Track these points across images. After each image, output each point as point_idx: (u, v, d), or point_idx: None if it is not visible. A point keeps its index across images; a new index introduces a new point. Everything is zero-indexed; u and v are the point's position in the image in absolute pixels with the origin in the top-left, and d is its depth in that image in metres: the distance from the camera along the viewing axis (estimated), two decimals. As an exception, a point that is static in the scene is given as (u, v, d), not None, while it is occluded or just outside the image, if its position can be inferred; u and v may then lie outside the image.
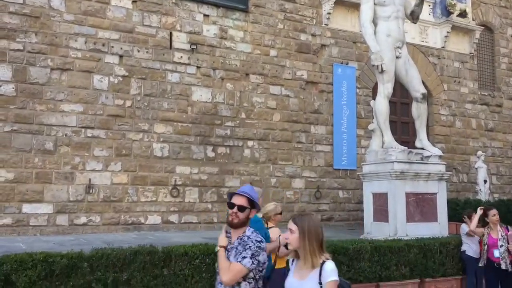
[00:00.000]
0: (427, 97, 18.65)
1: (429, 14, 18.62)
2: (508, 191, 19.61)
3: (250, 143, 14.96)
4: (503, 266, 6.28)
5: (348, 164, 16.54)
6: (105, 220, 12.57)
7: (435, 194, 11.15)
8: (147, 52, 13.70)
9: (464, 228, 8.23)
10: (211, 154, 14.33)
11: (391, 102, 17.95)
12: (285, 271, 5.13)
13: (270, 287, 5.02)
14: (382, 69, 10.97)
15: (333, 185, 16.27)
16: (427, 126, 18.56)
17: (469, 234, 7.85)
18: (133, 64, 13.49)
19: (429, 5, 18.52)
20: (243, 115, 14.96)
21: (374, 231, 10.98)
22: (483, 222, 7.29)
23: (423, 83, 17.94)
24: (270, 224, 5.33)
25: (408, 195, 10.81)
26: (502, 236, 6.30)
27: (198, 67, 14.42)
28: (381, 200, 10.98)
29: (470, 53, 19.52)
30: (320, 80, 16.46)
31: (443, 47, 18.84)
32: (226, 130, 14.62)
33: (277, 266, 5.20)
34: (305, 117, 16.02)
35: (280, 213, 5.46)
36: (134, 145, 13.27)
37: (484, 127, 19.60)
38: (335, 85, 16.70)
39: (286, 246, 4.93)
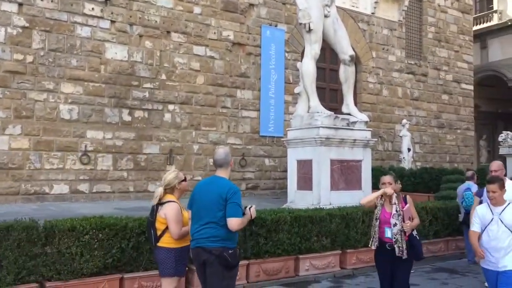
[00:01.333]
0: (356, 63, 18.42)
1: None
2: (430, 160, 20.00)
3: (171, 107, 13.89)
4: (396, 252, 4.72)
5: (275, 131, 15.94)
6: (1, 190, 11.15)
7: (360, 161, 10.78)
8: (52, 1, 12.12)
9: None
10: (127, 118, 13.14)
11: (320, 68, 17.47)
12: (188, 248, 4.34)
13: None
14: (309, 28, 10.26)
15: (259, 152, 15.66)
16: (355, 93, 18.37)
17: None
18: (35, 14, 11.89)
19: (359, -31, 18.03)
20: (164, 77, 13.82)
21: (298, 199, 10.48)
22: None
23: (352, 49, 17.63)
24: (170, 197, 4.42)
25: (333, 162, 10.35)
26: (397, 211, 4.82)
27: (112, 22, 13.02)
28: (305, 168, 10.45)
29: (399, 20, 19.37)
30: (247, 42, 15.58)
31: (372, 13, 18.51)
32: (144, 92, 13.44)
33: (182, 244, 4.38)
34: (231, 81, 15.14)
35: (185, 179, 4.58)
36: (37, 106, 11.82)
37: (409, 96, 19.70)
38: (263, 48, 15.89)
39: (252, 221, 4.20)
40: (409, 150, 17.43)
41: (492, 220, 4.47)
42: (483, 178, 10.68)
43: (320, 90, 17.23)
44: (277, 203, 11.81)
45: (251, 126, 15.54)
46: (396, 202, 4.88)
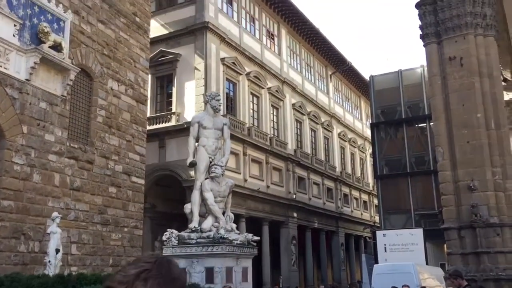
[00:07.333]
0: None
1: (14, 36, 14.78)
2: (89, 263, 16.66)
3: None
4: None
5: None
6: None
7: None
8: None
9: None
10: None
11: None
12: None
13: None
14: None
15: None
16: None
17: None
18: None
19: (15, 25, 14.74)
20: None
21: None
22: None
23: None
24: None
25: None
26: None
27: None
28: None
29: (63, 95, 16.45)
30: None
31: (28, 80, 15.12)
32: None
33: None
34: None
35: None
36: None
37: (69, 185, 16.42)
38: None
39: None
40: (57, 251, 13.78)
41: None
42: None
43: None
44: None
45: None
46: None
